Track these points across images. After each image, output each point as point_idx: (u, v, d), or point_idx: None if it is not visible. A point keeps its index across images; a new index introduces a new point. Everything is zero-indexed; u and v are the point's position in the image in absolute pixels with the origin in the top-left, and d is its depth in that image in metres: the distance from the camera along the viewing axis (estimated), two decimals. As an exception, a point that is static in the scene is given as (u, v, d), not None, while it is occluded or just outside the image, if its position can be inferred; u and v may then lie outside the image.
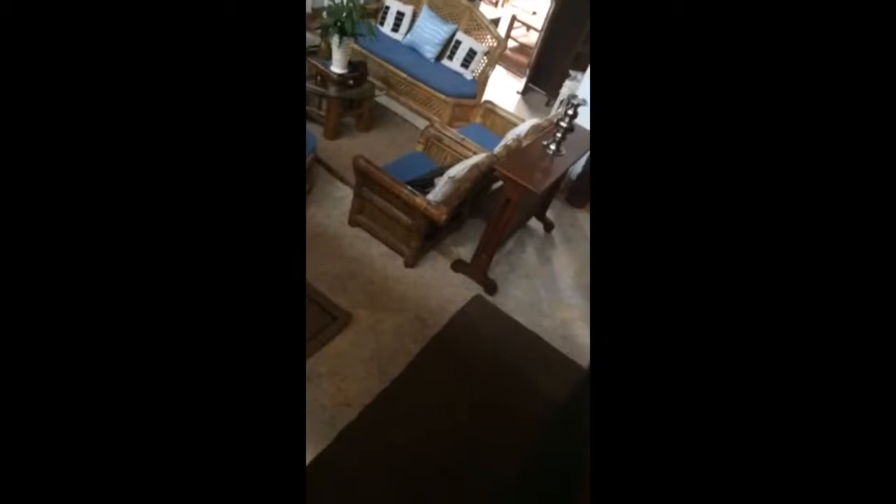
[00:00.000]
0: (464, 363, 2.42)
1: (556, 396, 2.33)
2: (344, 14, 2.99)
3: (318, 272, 2.55)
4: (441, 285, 2.76)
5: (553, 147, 2.59)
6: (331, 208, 2.96)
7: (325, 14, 3.08)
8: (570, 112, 2.48)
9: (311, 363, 2.16)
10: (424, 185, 2.65)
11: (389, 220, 2.69)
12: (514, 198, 2.41)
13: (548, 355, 2.62)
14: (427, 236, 2.70)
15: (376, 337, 2.37)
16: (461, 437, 2.12)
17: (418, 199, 2.42)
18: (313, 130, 3.33)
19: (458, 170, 2.41)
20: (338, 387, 2.13)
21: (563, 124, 2.52)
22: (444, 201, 2.44)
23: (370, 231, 2.84)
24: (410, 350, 2.38)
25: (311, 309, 2.33)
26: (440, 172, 2.61)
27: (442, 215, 2.39)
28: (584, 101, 2.47)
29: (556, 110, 4.63)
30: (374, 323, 2.42)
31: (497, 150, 2.63)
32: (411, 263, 2.76)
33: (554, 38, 4.92)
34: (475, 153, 2.89)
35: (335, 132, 3.43)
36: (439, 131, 3.08)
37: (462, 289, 2.79)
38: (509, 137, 2.83)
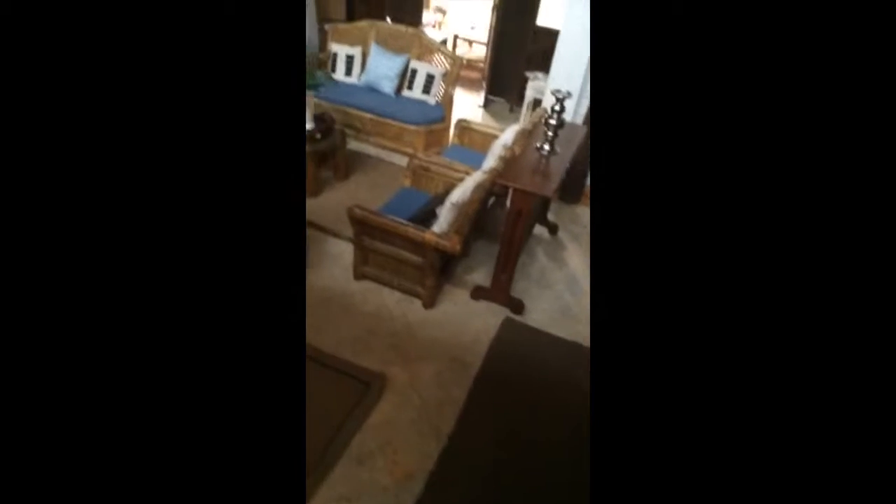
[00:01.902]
0: (514, 394, 2.22)
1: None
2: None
3: (337, 338, 2.34)
4: (466, 318, 2.58)
5: (547, 147, 2.46)
6: (331, 267, 2.77)
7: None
8: (557, 108, 2.36)
9: (357, 441, 1.93)
10: (425, 218, 2.49)
11: (398, 264, 2.51)
12: (525, 208, 2.26)
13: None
14: (440, 271, 2.52)
15: (418, 393, 2.15)
16: (534, 468, 1.91)
17: (427, 235, 2.25)
18: (292, 192, 3.16)
19: (460, 193, 2.26)
20: (393, 460, 1.90)
21: (553, 122, 2.40)
22: (454, 229, 2.27)
23: (379, 280, 2.65)
24: (457, 397, 2.17)
25: (341, 381, 2.11)
26: (440, 201, 2.46)
27: (456, 245, 2.22)
28: (568, 94, 2.37)
29: (524, 112, 4.57)
30: (410, 378, 2.21)
31: (492, 164, 2.50)
32: (430, 303, 2.58)
33: (501, 46, 4.91)
34: (467, 173, 2.75)
35: (316, 188, 3.27)
36: (424, 160, 2.94)
37: (489, 316, 2.61)
38: (498, 149, 2.71)
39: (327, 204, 3.23)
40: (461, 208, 2.28)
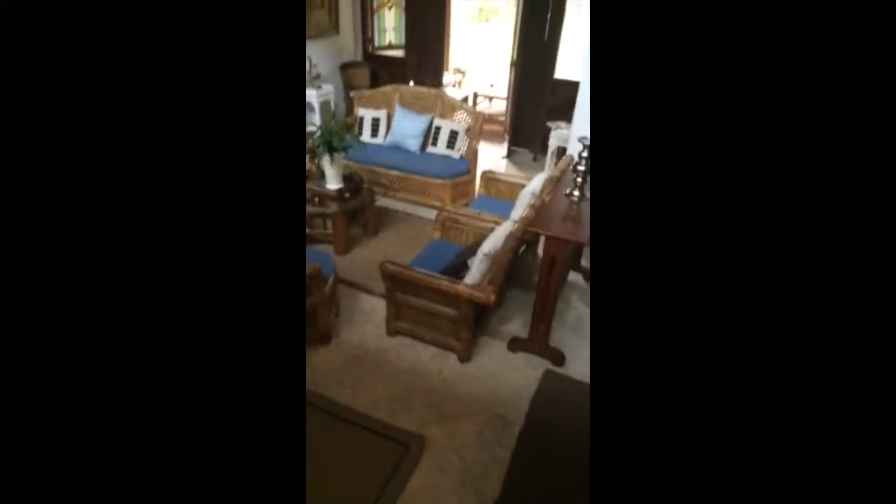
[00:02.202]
0: (561, 452, 2.07)
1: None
2: (331, 132, 3.01)
3: (373, 398, 2.27)
4: (505, 371, 2.48)
5: (577, 193, 2.45)
6: (364, 324, 2.74)
7: (311, 139, 3.10)
8: (584, 154, 2.37)
9: (398, 510, 1.82)
10: (457, 270, 2.47)
11: (432, 318, 2.46)
12: (559, 255, 2.21)
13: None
14: (475, 323, 2.46)
15: (459, 455, 2.04)
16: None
17: (460, 287, 2.22)
18: (324, 250, 3.21)
19: (492, 244, 2.24)
20: (436, 530, 1.77)
21: (581, 167, 2.40)
22: (488, 280, 2.24)
23: (413, 335, 2.60)
24: (501, 457, 2.04)
25: (379, 443, 2.02)
26: (471, 252, 2.44)
27: (490, 296, 2.17)
28: (594, 140, 2.38)
29: (549, 160, 4.61)
30: (450, 438, 2.10)
31: (521, 212, 2.49)
32: (466, 357, 2.50)
33: (521, 100, 5.05)
34: (496, 223, 2.74)
35: (345, 246, 3.31)
36: (452, 212, 2.96)
37: (528, 368, 2.50)
38: (527, 197, 2.71)
39: (358, 260, 3.26)
40: (494, 258, 2.26)
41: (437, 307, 2.39)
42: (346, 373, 2.40)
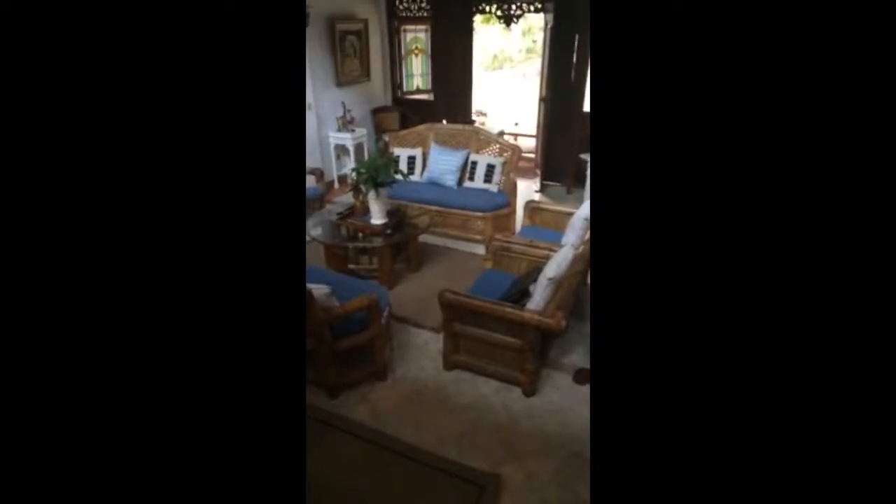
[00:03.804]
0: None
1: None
2: (376, 168, 3.03)
3: (439, 436, 2.13)
4: (573, 404, 2.33)
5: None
6: (419, 359, 2.63)
7: (356, 174, 3.12)
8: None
9: (482, 559, 1.65)
10: (517, 298, 2.38)
11: (493, 349, 2.35)
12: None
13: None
14: (540, 354, 2.34)
15: (539, 495, 1.87)
16: None
17: (525, 314, 2.12)
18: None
19: (555, 268, 2.16)
20: (527, 582, 1.60)
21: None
22: (555, 305, 2.14)
23: (473, 369, 2.48)
24: (584, 497, 1.87)
25: (451, 483, 1.87)
26: (531, 279, 2.36)
27: (560, 321, 2.07)
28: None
29: (588, 190, 4.58)
30: (527, 478, 1.94)
31: (582, 236, 2.42)
32: (532, 391, 2.36)
33: (552, 134, 5.10)
34: (550, 250, 2.67)
35: (391, 281, 3.26)
36: (505, 241, 2.90)
37: (597, 401, 2.34)
38: (580, 222, 2.65)
39: (405, 295, 3.19)
40: (559, 283, 2.17)
41: (500, 337, 2.28)
42: (406, 409, 2.28)
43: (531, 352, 2.25)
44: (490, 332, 2.30)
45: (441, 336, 2.55)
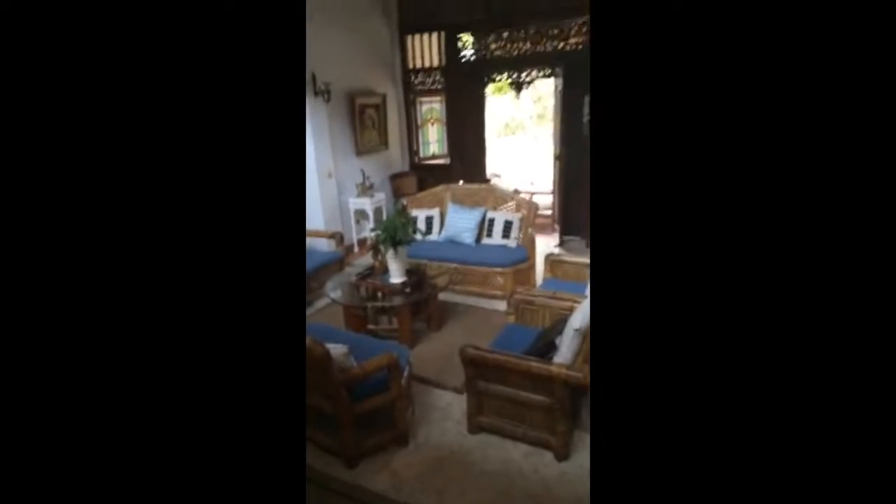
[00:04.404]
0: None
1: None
2: (395, 227, 3.06)
3: (465, 506, 1.95)
4: (611, 470, 2.12)
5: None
6: (442, 421, 2.49)
7: (375, 235, 3.16)
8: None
9: None
10: (543, 352, 2.26)
11: (521, 409, 2.21)
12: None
13: None
14: (572, 414, 2.18)
15: (581, 575, 1.66)
16: None
17: (553, 367, 2.01)
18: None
19: (581, 318, 2.06)
20: None
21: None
22: (584, 359, 2.02)
23: (499, 432, 2.32)
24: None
25: (481, 564, 1.68)
26: (556, 331, 2.26)
27: (588, 376, 1.94)
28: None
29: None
30: (566, 555, 1.74)
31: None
32: (564, 454, 2.18)
33: (569, 191, 5.15)
34: (574, 301, 2.58)
35: (412, 340, 3.17)
36: (526, 294, 2.83)
37: (637, 465, 2.14)
38: (604, 272, 2.57)
39: (426, 354, 3.09)
40: (586, 334, 2.06)
41: (527, 395, 2.15)
42: (429, 477, 2.12)
43: (561, 411, 2.10)
44: (516, 390, 2.17)
45: (464, 397, 2.42)
